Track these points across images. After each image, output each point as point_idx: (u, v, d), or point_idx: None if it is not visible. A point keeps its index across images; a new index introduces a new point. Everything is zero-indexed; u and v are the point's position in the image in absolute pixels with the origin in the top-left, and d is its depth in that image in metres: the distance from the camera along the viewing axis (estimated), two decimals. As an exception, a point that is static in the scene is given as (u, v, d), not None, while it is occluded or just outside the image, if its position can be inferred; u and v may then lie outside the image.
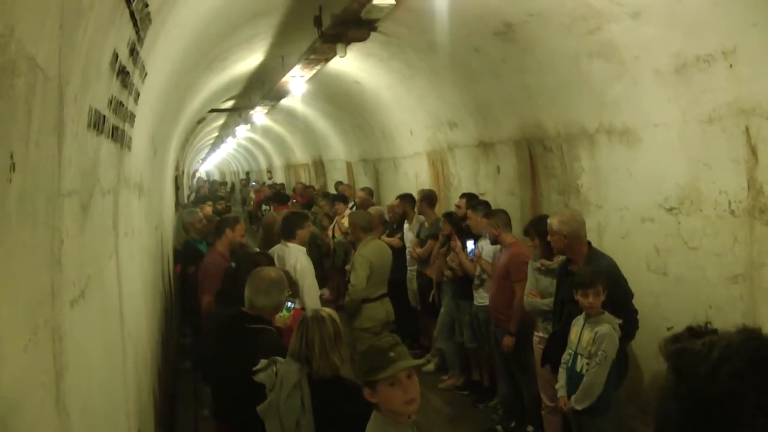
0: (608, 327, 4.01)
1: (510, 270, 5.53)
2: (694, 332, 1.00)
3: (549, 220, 4.67)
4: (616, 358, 4.04)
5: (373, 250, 6.31)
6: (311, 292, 5.47)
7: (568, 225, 4.51)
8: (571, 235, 4.49)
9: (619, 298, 4.21)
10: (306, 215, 6.48)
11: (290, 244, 5.81)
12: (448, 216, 6.99)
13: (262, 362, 3.05)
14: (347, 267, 6.84)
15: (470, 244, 6.15)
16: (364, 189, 10.52)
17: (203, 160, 41.14)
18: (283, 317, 4.06)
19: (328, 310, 3.18)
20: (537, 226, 5.16)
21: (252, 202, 18.70)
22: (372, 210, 8.21)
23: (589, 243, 4.59)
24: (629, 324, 4.23)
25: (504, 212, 5.87)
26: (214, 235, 6.27)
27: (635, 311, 4.38)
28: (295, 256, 5.66)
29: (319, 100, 12.48)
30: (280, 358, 3.06)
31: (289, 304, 4.15)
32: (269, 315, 3.66)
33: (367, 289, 6.20)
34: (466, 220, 6.56)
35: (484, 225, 5.97)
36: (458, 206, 7.10)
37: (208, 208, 9.32)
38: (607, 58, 4.89)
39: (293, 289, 4.96)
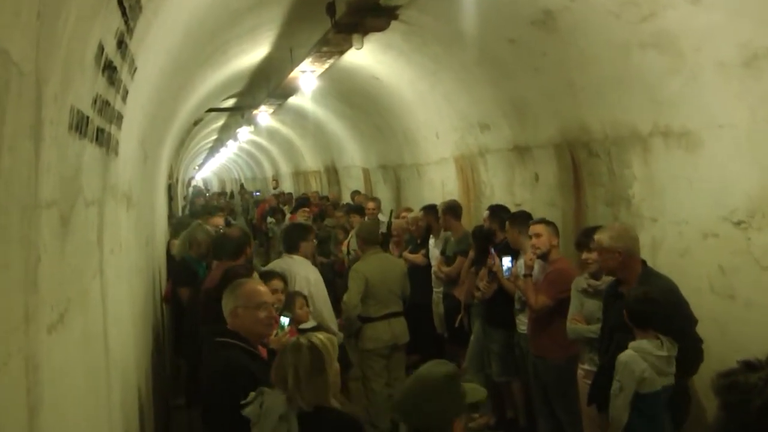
0: (630, 354, 3.97)
1: (548, 289, 5.55)
2: (750, 366, 0.98)
3: (597, 236, 4.64)
4: (677, 396, 3.98)
5: (372, 265, 6.45)
6: (328, 305, 5.75)
7: (620, 241, 4.48)
8: (625, 252, 4.47)
9: (679, 325, 4.15)
10: (310, 228, 6.57)
11: (295, 257, 5.96)
12: (478, 231, 7.01)
13: (251, 395, 3.12)
14: None
15: (507, 262, 6.14)
16: (373, 199, 10.58)
17: (200, 166, 41.52)
18: (278, 337, 4.08)
19: (320, 336, 3.24)
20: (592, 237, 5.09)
21: (256, 214, 18.77)
22: (412, 217, 8.48)
23: (643, 262, 4.57)
24: (693, 354, 4.19)
25: (552, 223, 5.87)
26: (218, 256, 6.18)
27: (700, 340, 4.34)
28: (305, 267, 5.82)
29: (332, 99, 12.55)
30: (267, 389, 3.15)
31: (284, 321, 4.16)
32: (254, 335, 3.73)
33: (367, 308, 6.37)
34: (495, 236, 6.61)
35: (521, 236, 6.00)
36: (486, 220, 7.12)
37: (219, 219, 9.26)
38: (662, 49, 4.84)
39: (295, 303, 5.00)
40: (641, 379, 3.94)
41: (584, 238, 5.23)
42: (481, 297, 6.57)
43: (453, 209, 7.83)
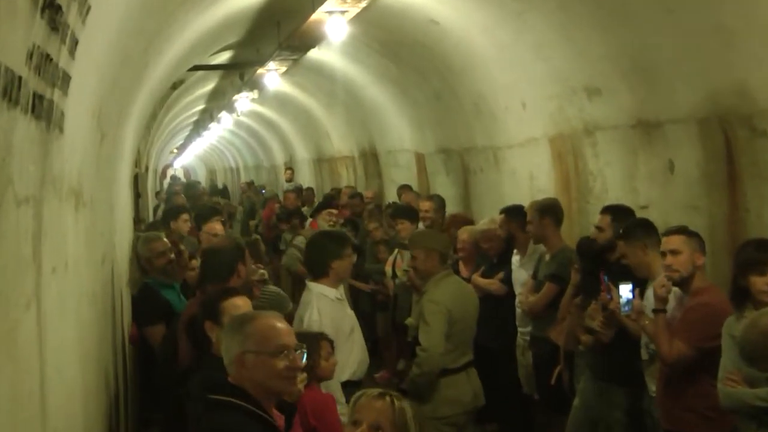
0: None
1: (689, 333, 5.49)
2: None
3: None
4: None
5: (452, 292, 6.55)
6: (353, 356, 5.91)
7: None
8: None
9: None
10: (346, 238, 6.57)
11: (317, 285, 6.06)
12: (585, 245, 6.97)
13: None
14: (408, 321, 7.06)
15: (626, 291, 6.09)
16: (429, 198, 10.58)
17: (180, 149, 41.95)
18: None
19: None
20: None
21: (262, 219, 18.80)
22: (480, 228, 8.51)
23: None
24: None
25: (696, 235, 5.82)
26: (201, 281, 6.23)
27: None
28: (312, 304, 5.94)
29: (371, 53, 12.60)
30: None
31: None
32: (267, 392, 3.76)
33: (446, 354, 6.39)
34: (613, 252, 6.55)
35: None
36: (600, 228, 7.07)
37: (218, 226, 9.34)
38: None
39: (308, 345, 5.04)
40: None
41: (756, 254, 5.13)
42: (590, 343, 6.55)
43: (552, 211, 7.82)
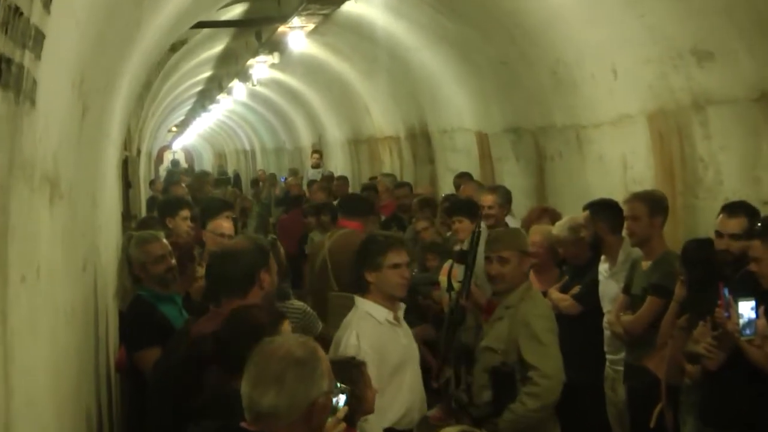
0: None
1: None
2: None
3: None
4: None
5: (549, 306, 6.98)
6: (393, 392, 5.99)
7: None
8: None
9: None
10: (400, 240, 6.63)
11: (364, 301, 6.16)
12: (694, 250, 6.93)
13: None
14: (485, 345, 6.96)
15: (747, 310, 6.06)
16: (494, 190, 10.51)
17: (180, 127, 42.16)
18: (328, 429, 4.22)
19: None
20: None
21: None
22: (538, 230, 8.37)
23: None
24: None
25: None
26: (214, 294, 6.19)
27: None
28: (352, 325, 6.05)
29: (422, 6, 12.65)
30: None
31: (339, 402, 4.35)
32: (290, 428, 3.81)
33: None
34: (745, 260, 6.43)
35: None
36: (720, 233, 6.95)
37: (226, 223, 9.38)
38: None
39: (347, 375, 5.08)
40: None
41: None
42: (696, 375, 6.49)
43: (664, 209, 7.81)
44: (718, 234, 6.93)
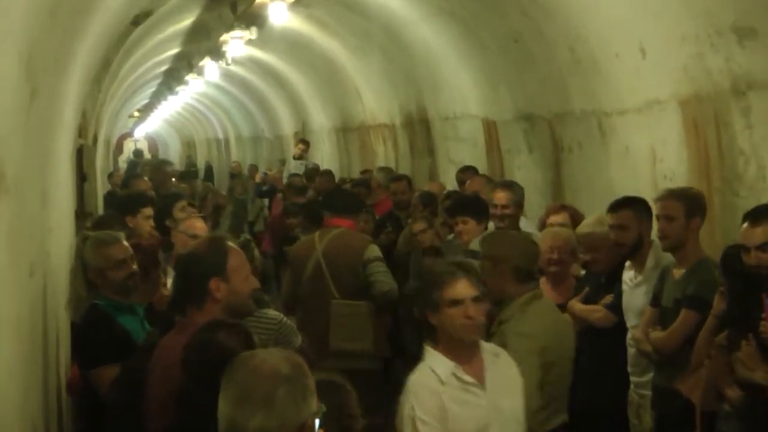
0: None
1: None
2: None
3: None
4: None
5: (546, 323, 6.88)
6: None
7: None
8: None
9: None
10: (460, 267, 6.51)
11: (431, 352, 6.21)
12: (731, 254, 6.94)
13: None
14: None
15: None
16: (505, 186, 10.54)
17: (143, 111, 42.36)
18: None
19: None
20: None
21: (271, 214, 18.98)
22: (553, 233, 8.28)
23: None
24: None
25: None
26: (179, 305, 6.14)
27: None
28: (410, 391, 6.07)
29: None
30: None
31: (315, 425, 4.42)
32: None
33: (539, 413, 6.66)
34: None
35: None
36: (746, 247, 6.89)
37: (198, 223, 9.39)
38: None
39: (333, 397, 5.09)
40: None
41: None
42: (740, 401, 6.53)
43: (702, 209, 7.79)
44: (744, 248, 6.86)
